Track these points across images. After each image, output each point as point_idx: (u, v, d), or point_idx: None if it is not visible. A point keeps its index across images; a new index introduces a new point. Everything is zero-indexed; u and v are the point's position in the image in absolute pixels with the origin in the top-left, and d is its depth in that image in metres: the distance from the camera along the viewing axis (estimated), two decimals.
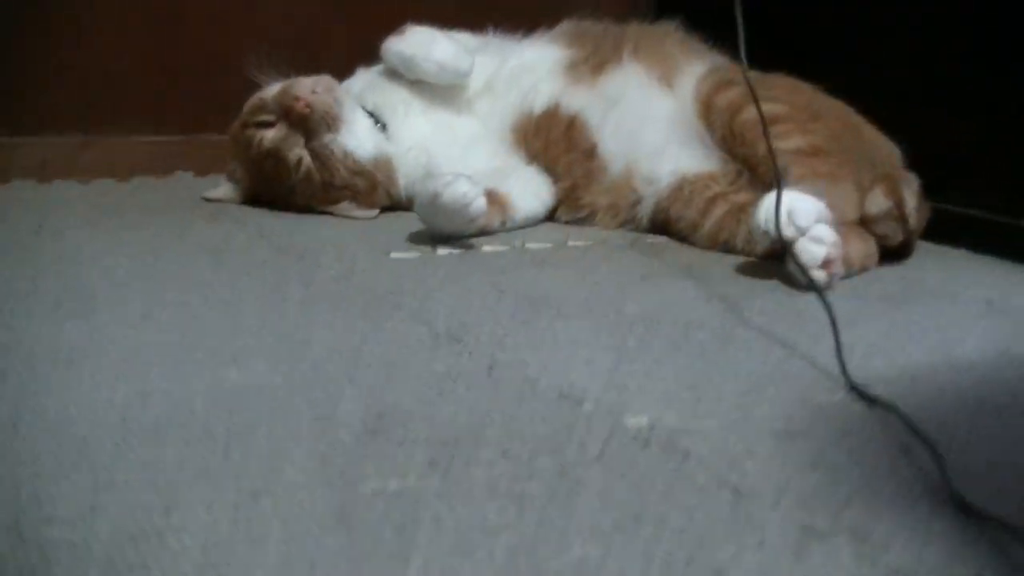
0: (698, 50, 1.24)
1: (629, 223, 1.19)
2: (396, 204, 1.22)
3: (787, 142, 1.08)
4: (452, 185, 1.02)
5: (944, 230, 1.21)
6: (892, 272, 1.05)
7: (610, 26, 1.32)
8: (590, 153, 1.19)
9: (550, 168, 1.21)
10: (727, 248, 1.10)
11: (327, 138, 1.16)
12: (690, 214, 1.13)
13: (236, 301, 0.83)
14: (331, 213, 1.19)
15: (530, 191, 1.19)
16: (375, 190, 1.19)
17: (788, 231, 0.96)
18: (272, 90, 1.18)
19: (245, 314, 0.80)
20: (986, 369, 0.78)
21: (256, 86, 1.22)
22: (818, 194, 1.00)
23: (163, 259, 0.95)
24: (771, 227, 0.95)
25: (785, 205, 0.96)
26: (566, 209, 1.21)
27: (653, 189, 1.17)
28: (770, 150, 0.98)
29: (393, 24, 1.25)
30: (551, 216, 1.23)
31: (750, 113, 1.09)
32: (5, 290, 0.83)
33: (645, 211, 1.17)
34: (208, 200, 1.22)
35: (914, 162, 1.16)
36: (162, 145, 1.33)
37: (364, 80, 1.28)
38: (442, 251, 1.04)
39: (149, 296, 0.82)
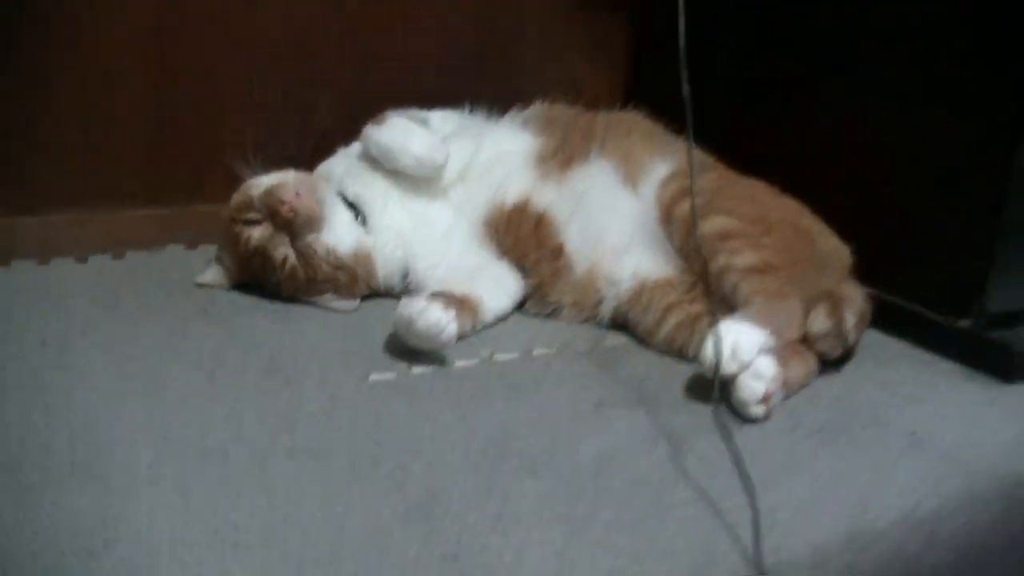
0: (664, 144, 1.31)
1: (592, 320, 1.27)
2: (375, 292, 1.30)
3: (739, 259, 1.17)
4: (425, 313, 1.11)
5: (887, 321, 1.31)
6: (828, 389, 1.15)
7: (580, 113, 1.39)
8: (557, 252, 1.28)
9: (519, 264, 1.29)
10: (681, 355, 1.19)
11: (310, 238, 1.23)
12: (647, 320, 1.22)
13: (231, 458, 0.92)
14: (314, 304, 1.27)
15: (500, 289, 1.27)
16: (356, 282, 1.27)
17: (731, 367, 1.05)
18: (259, 188, 1.25)
19: (237, 477, 0.89)
20: (894, 540, 0.88)
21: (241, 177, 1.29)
22: (766, 315, 1.10)
23: (163, 390, 1.03)
24: (725, 357, 1.05)
25: (730, 340, 1.06)
26: (534, 304, 1.29)
27: (614, 291, 1.26)
28: (706, 271, 1.07)
29: None
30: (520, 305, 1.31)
31: (709, 226, 1.18)
32: (18, 454, 0.91)
33: (607, 311, 1.26)
34: (200, 286, 1.30)
35: (860, 252, 1.26)
36: (155, 218, 1.40)
37: (344, 165, 1.34)
38: (417, 369, 1.13)
39: (157, 452, 0.91)
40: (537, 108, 1.41)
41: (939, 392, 1.17)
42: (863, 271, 1.27)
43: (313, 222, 1.24)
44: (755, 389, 1.05)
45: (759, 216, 1.20)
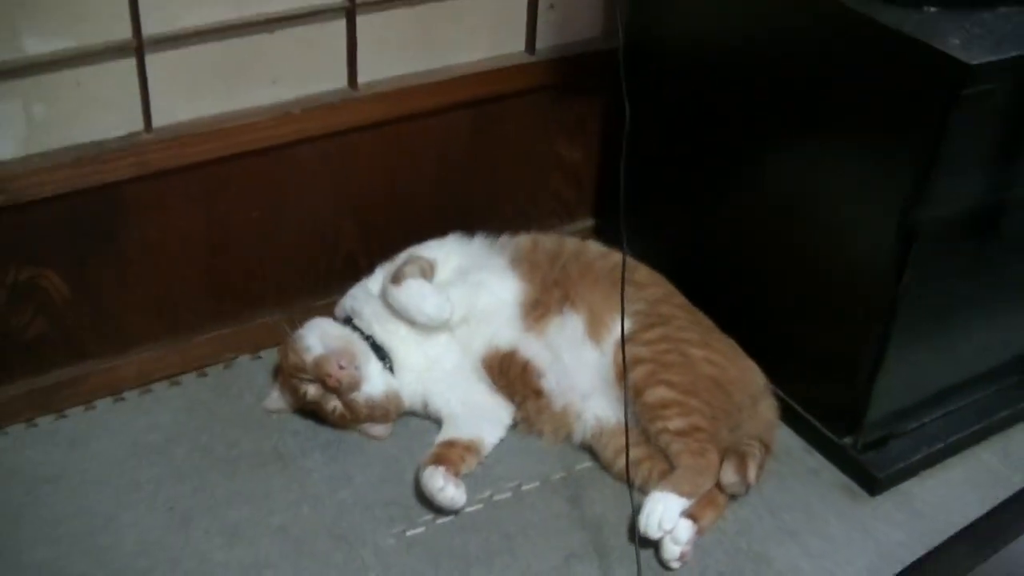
0: (631, 288, 1.63)
1: (568, 442, 1.71)
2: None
3: (672, 423, 1.58)
4: (443, 492, 1.54)
5: (793, 421, 1.74)
6: (732, 523, 1.60)
7: (557, 253, 1.75)
8: (539, 393, 1.68)
9: (510, 397, 1.70)
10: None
11: (352, 395, 1.65)
12: (606, 455, 1.64)
13: None
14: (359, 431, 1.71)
15: (497, 425, 1.68)
16: (388, 416, 1.69)
17: (657, 534, 1.50)
18: (309, 356, 1.65)
19: None
20: None
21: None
22: (688, 481, 1.53)
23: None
24: (648, 530, 1.50)
25: (657, 511, 1.50)
26: (522, 428, 1.72)
27: (581, 427, 1.67)
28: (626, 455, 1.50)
29: None
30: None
31: (653, 395, 1.59)
32: None
33: (577, 440, 1.69)
34: (269, 411, 1.73)
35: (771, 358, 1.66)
36: (219, 338, 1.81)
37: (370, 307, 1.71)
38: (440, 521, 1.58)
39: None
40: (526, 243, 1.76)
41: (815, 518, 1.60)
42: (775, 375, 1.67)
43: (354, 385, 1.64)
44: (674, 551, 1.50)
45: (691, 386, 1.59)
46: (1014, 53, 1.36)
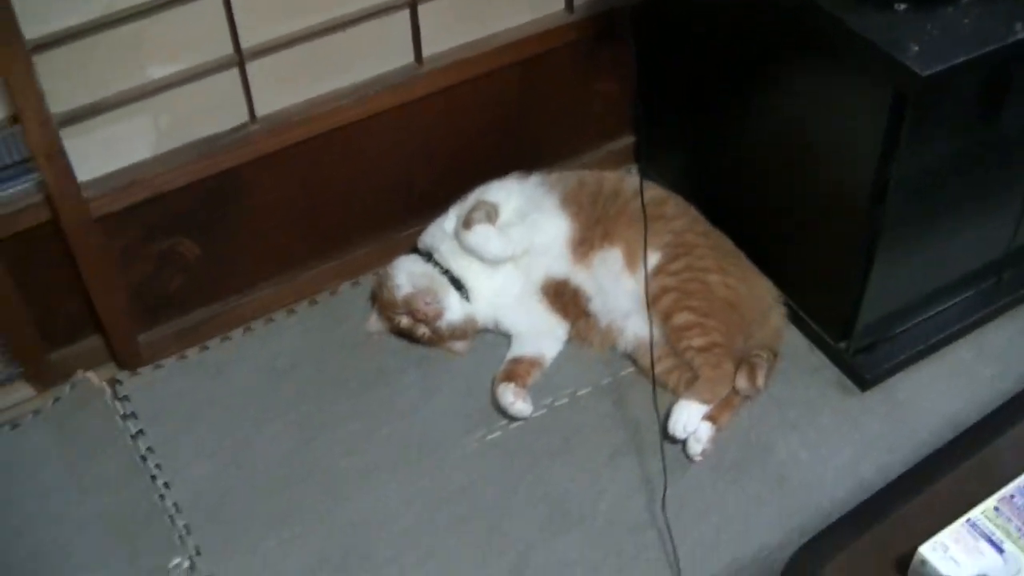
0: (658, 235, 1.99)
1: (613, 352, 2.09)
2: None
3: (694, 341, 1.94)
4: (515, 406, 1.92)
5: (800, 324, 2.10)
6: (745, 419, 1.98)
7: (598, 193, 2.09)
8: (588, 314, 2.04)
9: (564, 317, 2.07)
10: (665, 388, 2.01)
11: (436, 323, 2.05)
12: (643, 364, 2.03)
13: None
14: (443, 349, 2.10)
15: (555, 341, 2.05)
16: (467, 336, 2.08)
17: (682, 435, 1.90)
18: (399, 292, 2.03)
19: None
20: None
21: None
22: (707, 390, 1.92)
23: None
24: (675, 432, 1.90)
25: (682, 417, 1.89)
26: (575, 342, 2.10)
27: (623, 341, 2.05)
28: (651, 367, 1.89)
29: None
30: None
31: (679, 319, 1.95)
32: None
33: (620, 350, 2.07)
34: (369, 332, 2.13)
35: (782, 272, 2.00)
36: (323, 272, 2.20)
37: (445, 244, 2.07)
38: (513, 425, 1.99)
39: None
40: (573, 182, 2.10)
41: (813, 411, 1.97)
42: (783, 284, 2.01)
43: (438, 316, 2.03)
44: (696, 448, 1.88)
45: (709, 309, 1.93)
46: (963, 58, 1.59)
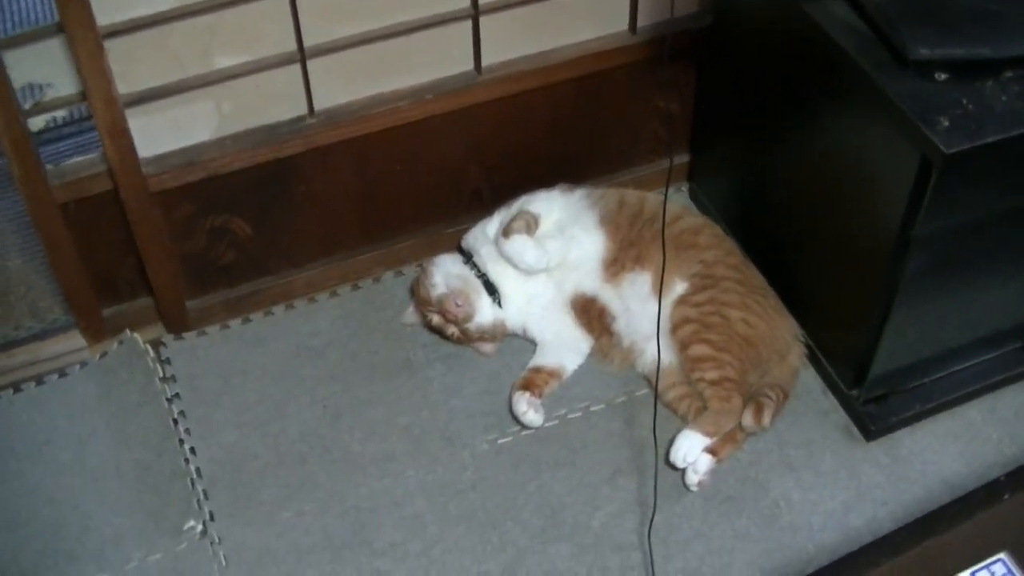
0: (686, 264, 2.06)
1: (632, 371, 2.16)
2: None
3: (707, 375, 2.00)
4: (527, 415, 2.01)
5: (817, 364, 2.15)
6: (747, 453, 2.05)
7: (637, 215, 2.14)
8: (611, 332, 2.11)
9: (589, 332, 2.15)
10: (675, 413, 2.08)
11: (467, 325, 2.14)
12: (658, 388, 2.10)
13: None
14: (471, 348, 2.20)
15: (576, 354, 2.12)
16: (495, 339, 2.17)
17: (682, 464, 1.97)
18: (434, 291, 2.12)
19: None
20: None
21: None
22: (712, 423, 1.98)
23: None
24: (675, 461, 1.97)
25: (684, 447, 1.96)
26: (597, 357, 2.17)
27: (642, 362, 2.11)
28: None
29: None
30: None
31: (694, 352, 2.01)
32: None
33: (639, 371, 2.14)
34: (404, 324, 2.23)
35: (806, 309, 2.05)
36: (369, 259, 2.30)
37: (485, 248, 2.16)
38: (524, 432, 2.07)
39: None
40: (612, 201, 2.16)
41: (814, 454, 2.02)
42: (805, 322, 2.06)
43: (468, 318, 2.11)
44: (693, 479, 1.95)
45: (726, 344, 1.99)
46: (991, 138, 1.62)
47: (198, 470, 1.96)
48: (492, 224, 2.17)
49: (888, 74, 1.68)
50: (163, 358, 2.12)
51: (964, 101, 1.65)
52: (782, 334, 2.04)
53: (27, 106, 1.80)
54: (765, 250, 2.12)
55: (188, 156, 1.96)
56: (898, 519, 1.87)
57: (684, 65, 2.25)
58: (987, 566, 1.31)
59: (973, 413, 2.04)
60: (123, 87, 1.83)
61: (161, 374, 2.08)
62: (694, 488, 1.94)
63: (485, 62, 2.09)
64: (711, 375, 1.97)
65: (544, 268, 2.08)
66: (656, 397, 1.89)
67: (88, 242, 2.00)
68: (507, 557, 1.85)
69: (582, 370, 2.13)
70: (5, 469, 1.95)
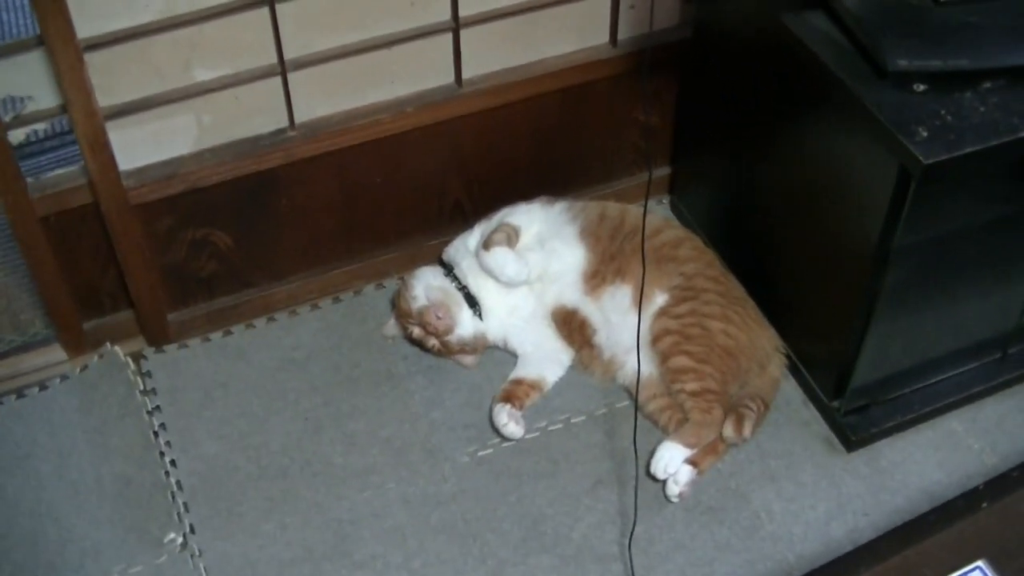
0: (667, 277, 2.07)
1: (613, 383, 2.16)
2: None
3: (688, 386, 2.00)
4: (507, 427, 2.01)
5: (799, 376, 2.15)
6: (728, 464, 2.05)
7: (618, 228, 2.15)
8: (592, 345, 2.12)
9: (570, 344, 2.16)
10: (655, 425, 2.08)
11: (447, 337, 2.14)
12: (639, 399, 2.11)
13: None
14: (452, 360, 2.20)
15: (558, 366, 2.12)
16: (476, 351, 2.17)
17: (662, 475, 1.98)
18: (415, 304, 2.12)
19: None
20: None
21: None
22: (693, 434, 1.99)
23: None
24: (656, 472, 1.98)
25: (665, 457, 1.97)
26: (578, 369, 2.17)
27: (623, 374, 2.12)
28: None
29: None
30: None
31: (675, 362, 2.01)
32: None
33: (619, 383, 2.15)
34: (385, 336, 2.23)
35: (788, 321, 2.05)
36: (350, 271, 2.30)
37: (467, 260, 2.16)
38: (505, 444, 2.08)
39: None
40: (593, 213, 2.17)
41: (795, 465, 2.03)
42: (785, 333, 2.07)
43: (448, 331, 2.11)
44: (674, 490, 1.95)
45: (706, 355, 2.00)
46: (969, 149, 1.62)
47: (179, 483, 1.95)
48: (473, 237, 2.18)
49: (867, 85, 1.69)
50: (144, 371, 2.11)
51: (942, 112, 1.66)
52: (763, 345, 2.05)
53: (7, 119, 1.79)
54: (746, 261, 2.13)
55: (169, 169, 1.96)
56: (879, 529, 1.87)
57: (665, 78, 2.25)
58: (966, 574, 1.31)
59: (954, 424, 2.05)
60: (104, 100, 1.83)
61: (142, 387, 2.07)
62: (675, 499, 1.94)
63: (466, 75, 2.09)
64: (692, 387, 1.97)
65: (525, 280, 2.08)
66: (637, 409, 1.89)
67: (69, 255, 1.99)
68: (488, 569, 1.84)
69: (563, 382, 2.13)
70: None
